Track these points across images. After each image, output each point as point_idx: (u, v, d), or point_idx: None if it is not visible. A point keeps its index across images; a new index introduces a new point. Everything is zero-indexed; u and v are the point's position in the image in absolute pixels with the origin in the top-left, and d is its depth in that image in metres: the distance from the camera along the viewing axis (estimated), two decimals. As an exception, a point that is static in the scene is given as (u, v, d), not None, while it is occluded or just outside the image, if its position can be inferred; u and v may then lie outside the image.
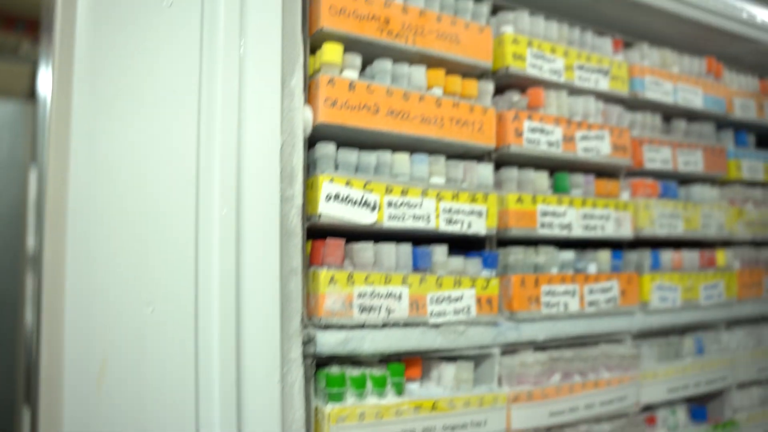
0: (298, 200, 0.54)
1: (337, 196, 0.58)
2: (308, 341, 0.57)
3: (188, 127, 0.49)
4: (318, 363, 0.59)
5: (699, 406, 0.88)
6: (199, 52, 0.50)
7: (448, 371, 0.65)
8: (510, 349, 0.69)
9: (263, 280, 0.52)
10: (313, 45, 0.61)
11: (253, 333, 0.51)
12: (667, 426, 0.83)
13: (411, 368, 0.64)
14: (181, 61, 0.49)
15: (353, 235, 0.63)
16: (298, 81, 0.55)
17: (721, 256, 0.90)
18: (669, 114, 0.89)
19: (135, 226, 0.47)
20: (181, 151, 0.48)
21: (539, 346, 0.72)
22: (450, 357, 0.67)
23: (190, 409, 0.48)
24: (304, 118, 0.56)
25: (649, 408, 0.83)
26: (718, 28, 0.90)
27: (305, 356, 0.57)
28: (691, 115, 0.91)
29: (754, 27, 0.94)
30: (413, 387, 0.64)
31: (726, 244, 0.94)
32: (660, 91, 0.84)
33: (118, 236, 0.46)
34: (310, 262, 0.60)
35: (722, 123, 0.96)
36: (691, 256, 0.86)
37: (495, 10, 0.73)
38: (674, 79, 0.86)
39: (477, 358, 0.68)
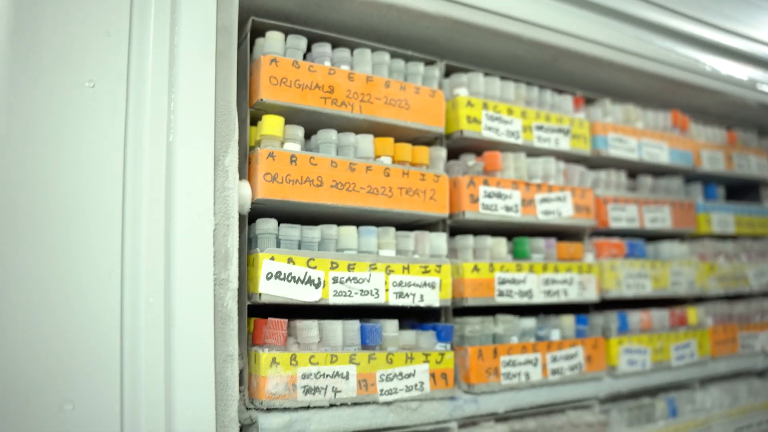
0: (234, 283, 0.52)
1: (278, 274, 0.56)
2: (250, 424, 0.55)
3: (112, 212, 0.47)
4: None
5: (675, 471, 0.85)
6: (124, 134, 0.48)
7: (402, 450, 0.63)
8: (469, 421, 0.67)
9: (196, 368, 0.49)
10: (255, 116, 0.60)
11: (186, 426, 0.49)
12: (641, 494, 0.80)
13: (364, 447, 0.62)
14: (103, 143, 0.47)
15: (300, 310, 0.61)
16: (232, 159, 0.53)
17: (693, 313, 0.87)
18: (634, 170, 0.88)
19: (55, 317, 0.44)
20: (105, 238, 0.46)
21: (500, 418, 0.69)
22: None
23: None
24: (242, 195, 0.55)
25: (621, 476, 0.80)
26: (682, 81, 0.89)
27: (248, 440, 0.55)
28: (658, 170, 0.90)
29: (718, 79, 0.94)
30: (366, 467, 0.62)
31: (698, 300, 0.92)
32: (624, 147, 0.83)
33: (34, 330, 0.44)
34: (253, 341, 0.58)
35: (690, 176, 0.95)
36: (660, 316, 0.83)
37: (448, 73, 0.72)
38: (639, 135, 0.85)
39: (433, 433, 0.66)
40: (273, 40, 0.60)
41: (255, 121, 0.60)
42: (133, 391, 0.47)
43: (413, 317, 0.70)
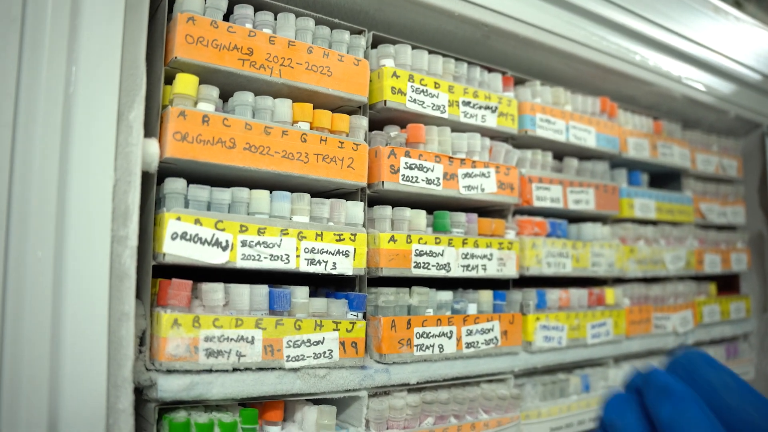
0: (133, 241, 0.51)
1: (184, 235, 0.55)
2: (151, 385, 0.54)
3: (1, 158, 0.45)
4: (164, 409, 0.56)
5: (584, 445, 0.87)
6: (16, 80, 0.46)
7: (310, 415, 0.63)
8: (381, 391, 0.67)
9: (87, 326, 0.48)
10: (170, 75, 0.58)
11: (74, 385, 0.47)
12: (550, 467, 0.82)
13: (272, 411, 0.61)
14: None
15: (211, 274, 0.60)
16: (137, 114, 0.51)
17: (611, 294, 0.90)
18: (561, 152, 0.89)
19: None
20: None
21: (413, 389, 0.70)
22: (315, 399, 0.64)
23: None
24: (149, 152, 0.53)
25: (531, 448, 0.82)
26: (612, 68, 0.91)
27: (150, 401, 0.54)
28: (584, 154, 0.92)
29: (647, 70, 0.96)
30: (274, 430, 0.61)
31: (616, 281, 0.94)
32: (552, 129, 0.84)
33: None
34: (157, 302, 0.57)
35: (616, 162, 0.97)
36: (579, 295, 0.85)
37: (376, 44, 0.72)
38: (567, 118, 0.86)
39: (344, 401, 0.66)
40: (191, -4, 0.58)
41: (170, 80, 0.58)
42: (14, 348, 0.45)
43: (331, 286, 0.70)
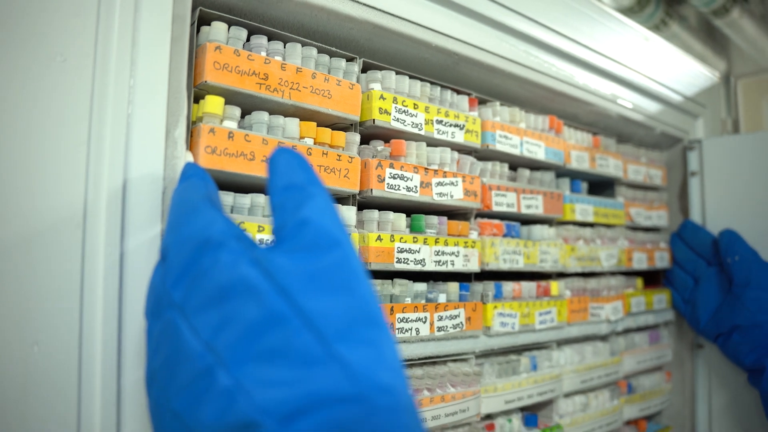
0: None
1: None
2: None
3: (76, 174, 0.54)
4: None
5: (531, 413, 1.01)
6: (90, 104, 0.55)
7: (310, 389, 0.73)
8: (366, 368, 0.79)
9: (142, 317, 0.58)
10: (197, 95, 0.68)
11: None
12: (504, 431, 0.96)
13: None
14: (71, 111, 0.54)
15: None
16: (181, 132, 0.61)
17: (555, 286, 1.04)
18: (515, 163, 1.03)
19: (21, 268, 0.51)
20: (70, 196, 0.54)
21: (393, 366, 0.81)
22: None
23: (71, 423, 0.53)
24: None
25: (488, 417, 0.95)
26: (559, 91, 1.05)
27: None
28: (535, 165, 1.05)
29: (588, 92, 1.11)
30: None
31: (560, 275, 1.09)
32: (509, 143, 0.97)
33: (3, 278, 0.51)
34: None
35: (561, 172, 1.11)
36: (529, 287, 0.99)
37: (365, 69, 0.83)
38: (521, 134, 1.00)
39: (336, 377, 0.77)
40: (218, 29, 0.68)
41: (197, 99, 0.68)
42: (90, 335, 0.54)
43: (323, 278, 0.81)
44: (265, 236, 0.68)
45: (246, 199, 0.68)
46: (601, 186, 1.25)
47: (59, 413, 0.52)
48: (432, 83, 0.89)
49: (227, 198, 0.67)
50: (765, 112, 1.56)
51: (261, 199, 0.70)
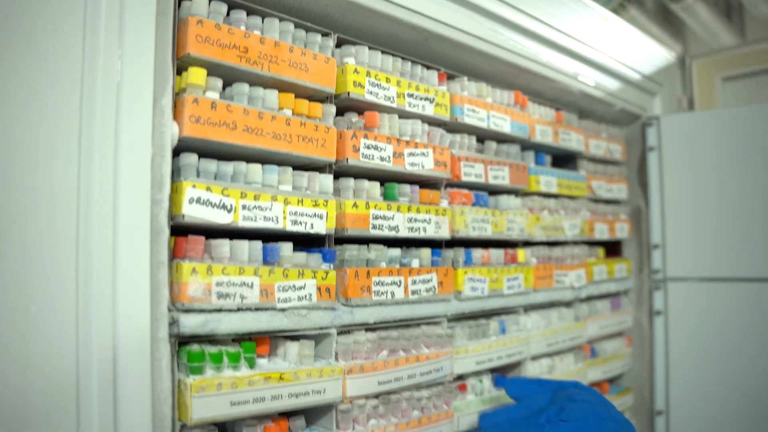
0: (166, 203, 0.64)
1: (198, 200, 0.68)
2: (173, 323, 0.66)
3: (69, 139, 0.57)
4: (180, 342, 0.69)
5: (501, 375, 1.07)
6: (81, 74, 0.58)
7: (292, 349, 0.77)
8: (345, 329, 0.83)
9: (136, 271, 0.61)
10: (180, 67, 0.71)
11: (127, 318, 0.60)
12: (475, 391, 1.01)
13: (260, 346, 0.75)
14: (63, 81, 0.57)
15: (211, 233, 0.73)
16: (167, 101, 0.64)
17: (522, 254, 1.09)
18: (483, 136, 1.08)
19: (18, 229, 0.54)
20: (62, 158, 0.56)
21: (370, 328, 0.86)
22: (294, 336, 0.79)
23: (71, 383, 0.56)
24: (172, 132, 0.66)
25: (460, 377, 1.00)
26: (524, 67, 1.10)
27: (170, 336, 0.66)
28: (501, 138, 1.10)
29: (551, 69, 1.16)
30: (263, 362, 0.76)
31: (526, 243, 1.14)
32: (476, 117, 1.02)
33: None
34: (174, 256, 0.69)
35: (526, 145, 1.16)
36: (497, 254, 1.04)
37: (339, 44, 0.86)
38: (488, 108, 1.04)
39: (317, 337, 0.81)
40: (199, 4, 0.71)
41: (179, 72, 0.71)
42: (85, 291, 0.57)
43: (302, 244, 0.84)
44: (247, 202, 0.71)
45: (229, 167, 0.71)
46: (564, 160, 1.31)
47: (57, 358, 0.55)
48: (403, 58, 0.93)
49: (211, 165, 0.70)
50: (718, 91, 1.64)
51: (242, 167, 0.73)
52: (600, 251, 1.38)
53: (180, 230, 0.71)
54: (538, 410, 0.86)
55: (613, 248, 1.48)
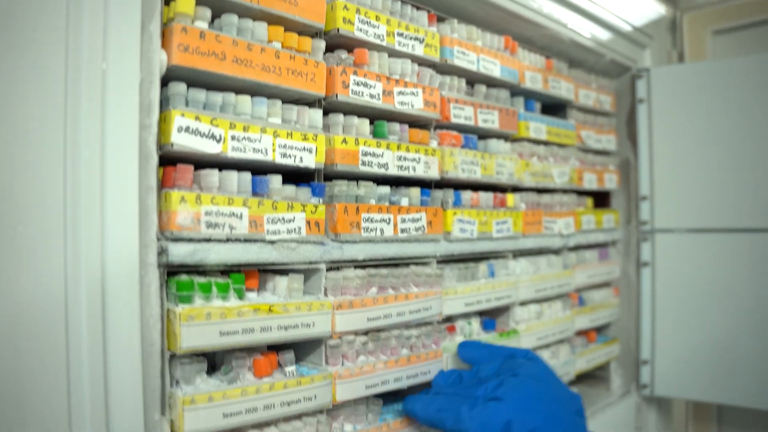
0: (154, 129, 0.64)
1: (187, 129, 0.68)
2: (161, 252, 0.67)
3: (56, 62, 0.56)
4: (169, 273, 0.69)
5: (489, 318, 1.08)
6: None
7: (281, 282, 0.78)
8: (335, 266, 0.84)
9: (124, 195, 0.61)
10: (167, -4, 0.70)
11: (116, 242, 0.60)
12: (464, 333, 1.03)
13: (250, 280, 0.76)
14: (48, 1, 0.56)
15: (200, 165, 0.73)
16: (156, 26, 0.64)
17: (511, 198, 1.10)
18: (472, 80, 1.07)
19: (4, 148, 0.54)
20: (50, 82, 0.56)
21: (359, 265, 0.86)
22: (283, 272, 0.79)
23: (59, 308, 0.57)
24: (160, 60, 0.66)
25: (449, 319, 1.01)
26: (514, 12, 1.09)
27: (159, 265, 0.67)
28: (491, 82, 1.10)
29: (542, 15, 1.15)
30: (252, 295, 0.76)
31: (515, 189, 1.15)
32: (466, 59, 1.02)
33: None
34: (162, 186, 0.70)
35: (515, 91, 1.16)
36: (486, 197, 1.05)
37: (328, -20, 0.86)
38: (478, 51, 1.04)
39: (306, 273, 0.81)
40: (185, -70, 0.70)
41: (167, 2, 0.70)
42: (73, 213, 0.57)
43: (291, 181, 0.84)
44: (236, 133, 0.71)
45: (218, 97, 0.71)
46: (553, 110, 1.31)
47: (46, 275, 0.56)
48: (392, -2, 0.93)
49: (200, 95, 0.70)
50: (708, 45, 1.64)
51: (232, 98, 0.73)
52: (588, 201, 1.39)
53: (169, 161, 0.71)
54: (484, 378, 0.87)
55: (601, 200, 1.49)
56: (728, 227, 1.37)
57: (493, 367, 0.90)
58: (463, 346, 0.97)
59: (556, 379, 0.88)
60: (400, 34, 0.91)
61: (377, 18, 0.88)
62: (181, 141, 0.67)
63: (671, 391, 1.46)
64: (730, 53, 1.58)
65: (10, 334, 0.54)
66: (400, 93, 0.90)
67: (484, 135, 1.09)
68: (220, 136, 0.70)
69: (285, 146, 0.76)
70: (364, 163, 0.84)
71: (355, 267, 0.86)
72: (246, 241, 0.73)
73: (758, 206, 1.33)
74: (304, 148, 0.78)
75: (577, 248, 1.35)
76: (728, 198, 1.37)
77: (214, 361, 0.77)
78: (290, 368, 0.79)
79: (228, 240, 0.71)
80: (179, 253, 0.67)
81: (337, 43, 0.87)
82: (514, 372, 0.85)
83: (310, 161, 0.79)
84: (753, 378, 1.33)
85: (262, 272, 0.79)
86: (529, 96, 1.20)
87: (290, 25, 0.80)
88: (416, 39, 0.93)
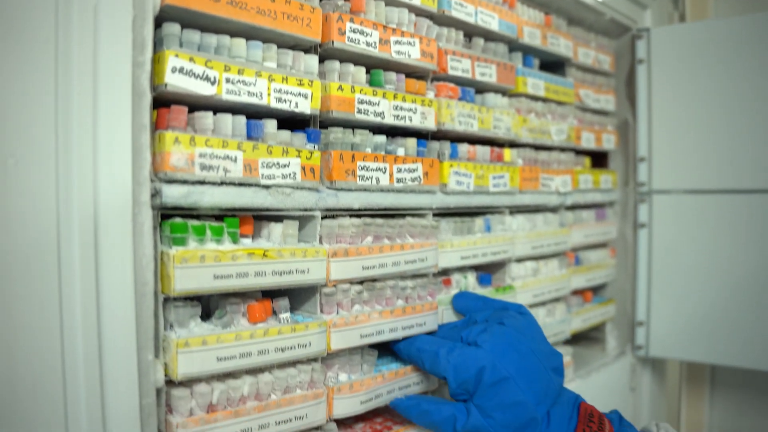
0: (147, 66, 0.64)
1: (181, 70, 0.67)
2: (155, 194, 0.67)
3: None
4: (162, 217, 0.69)
5: (485, 273, 1.09)
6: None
7: (276, 229, 0.78)
8: (330, 214, 0.84)
9: (118, 132, 0.61)
10: (159, -65, 0.69)
11: (109, 179, 0.60)
12: (460, 287, 1.03)
13: (244, 226, 0.76)
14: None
15: (194, 109, 0.73)
16: (146, -38, 0.63)
17: (508, 153, 1.10)
18: (470, 32, 1.06)
19: None
20: (40, 13, 0.56)
21: (354, 214, 0.86)
22: (278, 219, 0.79)
23: (52, 242, 0.57)
24: (153, -3, 0.65)
25: (445, 272, 1.02)
26: (513, -37, 1.08)
27: (153, 207, 0.66)
28: (489, 36, 1.09)
29: (541, -35, 1.14)
30: (246, 241, 0.76)
31: (512, 145, 1.14)
32: (463, 11, 1.00)
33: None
34: (156, 127, 0.69)
35: (513, 46, 1.15)
36: (483, 151, 1.05)
37: (324, -75, 0.84)
38: (476, 3, 1.03)
39: (301, 220, 0.81)
40: None
41: (158, -61, 0.69)
42: (65, 147, 0.57)
43: (286, 128, 0.84)
44: (231, 75, 0.71)
45: (213, 39, 0.71)
46: (551, 68, 1.30)
47: (37, 217, 0.56)
48: (389, -53, 0.91)
49: (194, 36, 0.69)
50: (710, 6, 1.62)
51: (226, 40, 0.72)
52: (586, 161, 1.38)
53: (163, 104, 0.70)
54: (472, 326, 0.89)
55: (599, 162, 1.49)
56: (726, 188, 1.37)
57: (483, 316, 0.91)
58: (458, 296, 0.97)
59: (540, 335, 0.90)
60: (397, -18, 0.90)
61: (374, -35, 0.87)
62: (175, 82, 0.67)
63: (666, 352, 1.47)
64: (732, 13, 1.57)
65: (1, 268, 0.54)
66: (397, 42, 0.89)
67: (481, 89, 1.08)
68: (215, 78, 0.70)
69: (280, 91, 0.75)
70: (360, 111, 0.84)
71: (351, 216, 0.86)
72: (240, 184, 0.72)
73: (756, 167, 1.33)
74: (300, 94, 0.77)
75: (574, 208, 1.35)
76: (726, 159, 1.36)
77: (208, 310, 0.77)
78: (285, 315, 0.79)
79: (222, 183, 0.71)
80: (173, 194, 0.67)
81: (332, -10, 0.86)
82: (500, 321, 0.87)
83: (305, 107, 0.78)
84: (746, 339, 1.34)
85: (257, 220, 0.79)
86: (527, 52, 1.19)
87: (285, -31, 0.79)
88: (413, -12, 0.92)
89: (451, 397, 0.86)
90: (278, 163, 0.75)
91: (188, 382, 0.70)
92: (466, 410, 0.82)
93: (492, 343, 0.83)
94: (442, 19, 0.99)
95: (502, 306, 0.95)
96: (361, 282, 0.86)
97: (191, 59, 0.68)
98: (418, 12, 0.95)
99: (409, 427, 0.90)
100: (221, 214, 0.74)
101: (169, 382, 0.69)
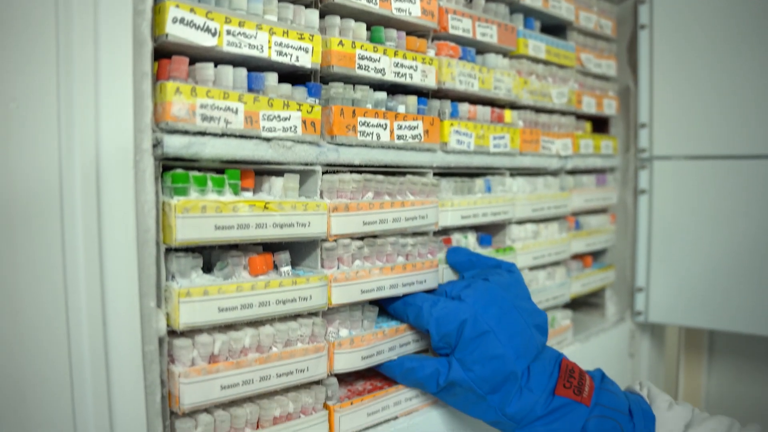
0: (148, 15, 0.64)
1: (182, 20, 0.67)
2: (156, 144, 0.67)
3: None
4: (164, 169, 0.70)
5: (486, 234, 1.10)
6: None
7: (277, 182, 0.79)
8: (331, 169, 0.84)
9: (119, 79, 0.61)
10: None
11: (111, 124, 0.61)
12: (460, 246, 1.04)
13: (245, 180, 0.77)
14: None
15: (195, 61, 0.73)
16: None
17: (508, 114, 1.10)
18: (471, -8, 1.06)
19: None
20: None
21: (355, 170, 0.87)
22: (279, 173, 0.80)
23: (54, 187, 0.58)
24: (152, -54, 0.65)
25: (445, 232, 1.03)
26: None
27: (155, 158, 0.67)
28: (489, -4, 1.09)
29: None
30: (247, 194, 0.77)
31: (513, 106, 1.14)
32: (464, -30, 1.00)
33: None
34: (157, 79, 0.69)
35: (514, 7, 1.15)
36: (483, 111, 1.05)
37: None
38: (477, -38, 1.02)
39: (302, 174, 0.82)
40: None
41: None
42: (67, 92, 0.58)
43: (288, 81, 0.85)
44: (232, 27, 0.71)
45: (211, -11, 0.71)
46: (552, 32, 1.29)
47: (39, 160, 0.56)
48: None
49: (193, -14, 0.69)
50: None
51: (226, -10, 0.72)
52: (587, 125, 1.38)
53: (164, 56, 0.71)
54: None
55: (600, 128, 1.49)
56: (727, 154, 1.37)
57: (472, 273, 0.92)
58: (452, 251, 0.98)
59: (525, 293, 0.91)
60: (398, -61, 0.90)
61: None
62: (175, 32, 0.67)
63: (665, 318, 1.48)
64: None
65: (4, 213, 0.55)
66: (397, -1, 0.89)
67: (482, 50, 1.08)
68: (216, 29, 0.70)
69: (281, 44, 0.76)
70: (360, 67, 0.84)
71: (351, 172, 0.86)
72: (241, 137, 0.73)
73: (757, 133, 1.33)
74: (300, 48, 0.78)
75: (574, 173, 1.35)
76: (728, 125, 1.36)
77: (210, 264, 0.78)
78: (285, 268, 0.80)
79: (223, 134, 0.71)
80: (174, 144, 0.67)
81: (332, -55, 0.85)
82: (485, 277, 0.88)
83: (306, 61, 0.78)
84: (746, 304, 1.35)
85: (258, 175, 0.80)
86: (528, 14, 1.19)
87: None
88: (414, -55, 0.92)
89: (434, 351, 0.87)
90: (279, 116, 0.76)
91: (190, 333, 0.72)
92: (448, 364, 0.83)
93: (474, 297, 0.84)
94: (442, -22, 0.99)
95: (495, 264, 0.96)
96: (361, 238, 0.87)
97: (192, 10, 0.68)
98: (419, -31, 0.95)
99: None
100: (222, 167, 0.75)
101: (171, 333, 0.70)
